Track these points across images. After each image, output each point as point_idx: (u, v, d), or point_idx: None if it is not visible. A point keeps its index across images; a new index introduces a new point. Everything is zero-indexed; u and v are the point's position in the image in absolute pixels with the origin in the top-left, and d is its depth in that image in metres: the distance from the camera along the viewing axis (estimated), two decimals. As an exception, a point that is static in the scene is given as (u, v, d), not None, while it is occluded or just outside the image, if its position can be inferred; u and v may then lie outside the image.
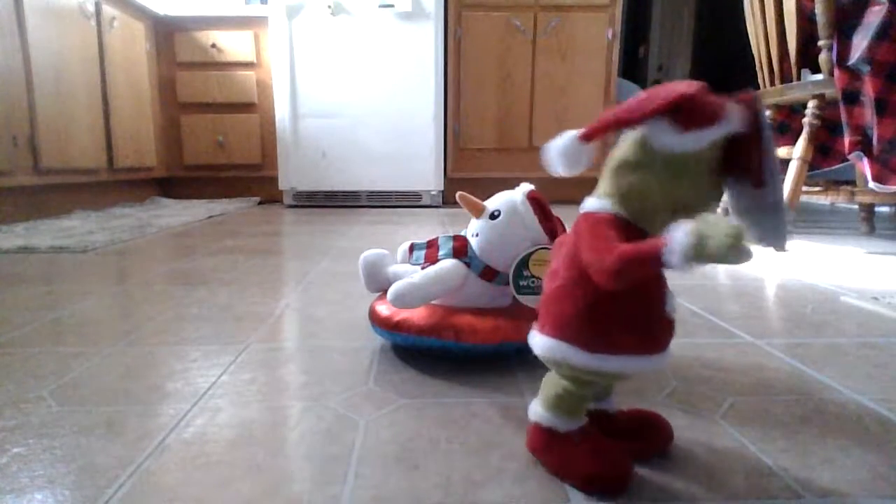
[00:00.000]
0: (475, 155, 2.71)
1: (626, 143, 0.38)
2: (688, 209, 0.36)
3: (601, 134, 0.37)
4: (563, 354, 0.39)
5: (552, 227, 0.61)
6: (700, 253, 0.30)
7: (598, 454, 0.40)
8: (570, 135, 0.38)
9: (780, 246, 0.39)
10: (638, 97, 0.36)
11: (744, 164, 0.37)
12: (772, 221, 0.38)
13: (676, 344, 0.71)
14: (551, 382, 0.42)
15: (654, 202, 0.36)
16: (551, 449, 0.42)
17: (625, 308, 0.38)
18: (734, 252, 0.29)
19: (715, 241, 0.30)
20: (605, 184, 0.39)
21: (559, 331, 0.40)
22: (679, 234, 0.31)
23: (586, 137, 0.37)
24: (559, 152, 0.38)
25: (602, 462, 0.40)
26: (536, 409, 0.43)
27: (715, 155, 0.36)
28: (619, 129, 0.37)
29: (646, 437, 0.44)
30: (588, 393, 0.42)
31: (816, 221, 2.17)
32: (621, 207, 0.37)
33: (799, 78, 1.52)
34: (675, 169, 0.35)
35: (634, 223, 0.37)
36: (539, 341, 0.41)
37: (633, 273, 0.34)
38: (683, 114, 0.34)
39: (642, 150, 0.36)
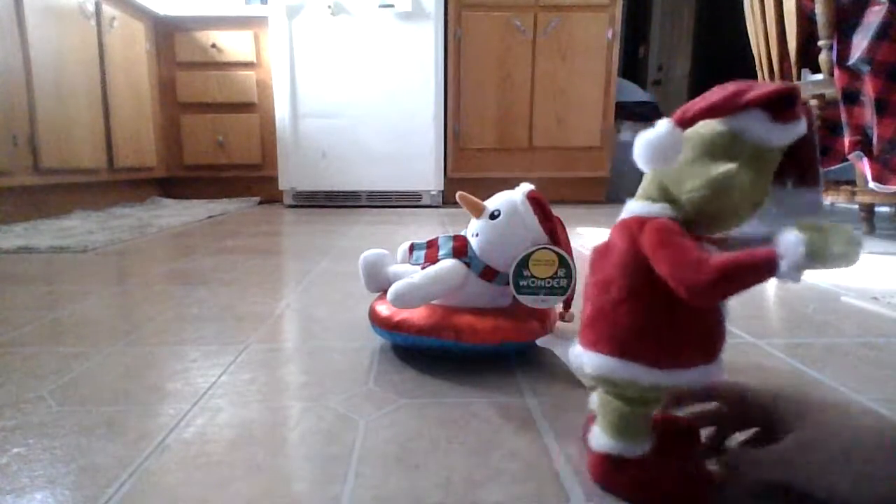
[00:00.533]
0: (475, 155, 2.71)
1: (699, 139, 0.35)
2: (756, 209, 0.35)
3: (697, 121, 0.35)
4: (630, 374, 0.36)
5: (552, 227, 0.61)
6: (818, 260, 0.29)
7: (675, 475, 0.38)
8: (665, 124, 0.35)
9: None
10: (724, 89, 0.34)
11: (799, 165, 0.36)
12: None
13: (676, 344, 0.71)
14: (611, 407, 0.39)
15: (742, 200, 0.34)
16: (623, 475, 0.39)
17: (689, 318, 0.36)
18: (852, 258, 0.29)
19: (838, 248, 0.29)
20: (653, 185, 0.37)
21: (621, 348, 0.37)
22: (792, 241, 0.29)
23: (682, 124, 0.35)
24: (657, 145, 0.35)
25: (682, 482, 0.38)
26: (601, 439, 0.39)
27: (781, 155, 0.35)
28: (713, 117, 0.35)
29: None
30: (653, 410, 0.39)
31: (816, 221, 2.17)
32: (692, 207, 0.35)
33: (799, 78, 1.52)
34: (763, 164, 0.34)
35: (687, 227, 0.35)
36: (596, 361, 0.38)
37: (735, 287, 0.32)
38: (783, 106, 0.33)
39: (732, 143, 0.34)
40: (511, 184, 0.68)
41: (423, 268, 0.65)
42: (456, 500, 0.39)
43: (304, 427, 0.49)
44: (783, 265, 0.30)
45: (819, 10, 1.39)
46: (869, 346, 0.71)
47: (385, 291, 0.70)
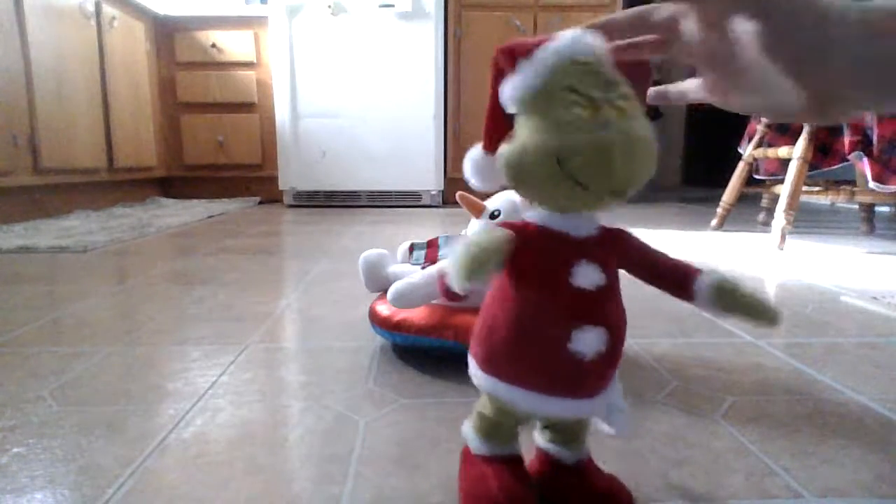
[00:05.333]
0: (475, 155, 2.71)
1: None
2: (577, 156, 0.29)
3: (492, 137, 0.33)
4: (472, 372, 0.37)
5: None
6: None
7: (487, 483, 0.35)
8: (476, 149, 0.37)
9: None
10: None
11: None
12: None
13: (676, 344, 0.71)
14: (479, 401, 0.39)
15: (527, 163, 0.31)
16: (462, 467, 0.39)
17: (515, 336, 0.33)
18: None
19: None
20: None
21: (472, 344, 0.37)
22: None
23: (487, 148, 0.35)
24: (471, 168, 0.38)
25: (487, 493, 0.35)
26: (464, 425, 0.39)
27: (577, 78, 0.30)
28: (501, 120, 0.33)
29: None
30: (501, 420, 0.37)
31: (816, 221, 2.17)
32: (514, 185, 0.33)
33: (799, 78, 1.52)
34: (533, 113, 0.31)
35: (555, 229, 0.33)
36: (471, 366, 0.38)
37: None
38: (503, 63, 0.33)
39: (514, 126, 0.33)
40: (511, 184, 0.68)
41: (423, 268, 0.65)
42: (456, 500, 0.39)
43: (303, 427, 0.49)
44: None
45: (819, 10, 1.39)
46: (869, 346, 0.71)
47: (385, 291, 0.70)
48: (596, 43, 0.32)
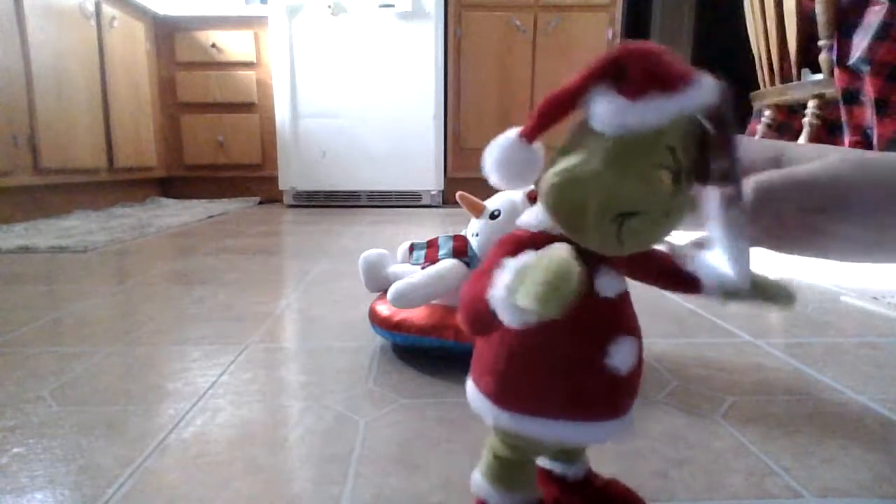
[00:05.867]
0: (475, 155, 2.70)
1: (567, 129, 0.28)
2: (637, 217, 0.26)
3: (542, 125, 0.27)
4: (479, 407, 0.31)
5: (552, 227, 0.61)
6: (516, 302, 0.22)
7: None
8: (509, 135, 0.28)
9: (740, 273, 0.29)
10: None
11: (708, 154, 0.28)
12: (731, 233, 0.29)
13: (676, 343, 0.71)
14: (489, 444, 0.33)
15: (586, 201, 0.26)
16: None
17: (547, 357, 0.28)
18: (544, 306, 0.22)
19: (524, 288, 0.22)
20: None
21: (479, 377, 0.31)
22: (504, 274, 0.23)
23: (527, 135, 0.28)
24: (497, 159, 0.28)
25: None
26: (475, 477, 0.33)
27: (684, 143, 0.26)
28: (562, 112, 0.27)
29: None
30: (525, 460, 0.33)
31: (816, 221, 2.17)
32: (548, 208, 0.28)
33: (799, 78, 1.52)
34: (619, 154, 0.25)
35: (569, 239, 0.28)
36: (468, 388, 0.32)
37: (479, 321, 0.26)
38: (631, 76, 0.25)
39: (582, 132, 0.26)
40: (511, 184, 0.68)
41: (423, 268, 0.65)
42: (456, 500, 0.39)
43: (303, 427, 0.49)
44: (494, 304, 0.23)
45: (819, 10, 1.39)
46: (869, 346, 0.70)
47: (385, 291, 0.70)
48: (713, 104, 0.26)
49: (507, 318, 0.23)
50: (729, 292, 0.30)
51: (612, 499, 0.35)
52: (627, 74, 0.25)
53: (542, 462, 0.36)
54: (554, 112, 0.27)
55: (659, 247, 0.30)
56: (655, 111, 0.24)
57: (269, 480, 0.41)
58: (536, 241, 0.28)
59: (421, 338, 0.62)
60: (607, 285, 0.29)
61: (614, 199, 0.25)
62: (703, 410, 0.53)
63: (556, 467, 0.36)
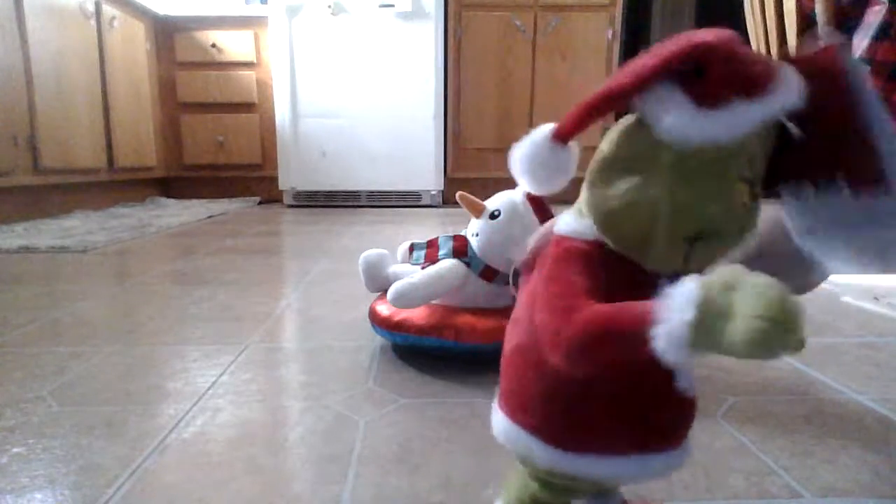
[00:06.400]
0: (475, 155, 2.71)
1: (615, 133, 0.25)
2: (714, 236, 0.23)
3: (583, 125, 0.25)
4: (526, 447, 0.27)
5: (552, 227, 0.61)
6: (709, 340, 0.20)
7: None
8: (541, 133, 0.26)
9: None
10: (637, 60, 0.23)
11: (826, 159, 0.24)
12: (886, 235, 0.25)
13: (676, 344, 0.71)
14: (517, 484, 0.30)
15: (656, 223, 0.23)
16: None
17: (611, 387, 0.25)
18: (768, 346, 0.18)
19: (740, 325, 0.18)
20: (585, 195, 0.27)
21: (520, 413, 0.27)
22: (680, 300, 0.20)
23: (561, 136, 0.25)
24: (528, 160, 0.26)
25: None
26: None
27: (759, 149, 0.23)
28: (609, 111, 0.24)
29: None
30: (565, 501, 0.29)
31: (816, 221, 2.17)
32: (605, 232, 0.25)
33: (799, 78, 1.52)
34: (693, 169, 0.22)
35: (628, 256, 0.25)
36: (499, 422, 0.29)
37: (603, 355, 0.22)
38: (706, 76, 0.21)
39: (639, 141, 0.23)
40: (511, 184, 0.68)
41: (423, 268, 0.65)
42: (456, 500, 0.39)
43: (303, 427, 0.49)
44: (660, 335, 0.20)
45: (819, 10, 1.39)
46: (869, 346, 0.70)
47: (385, 291, 0.70)
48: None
49: (678, 356, 0.20)
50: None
51: None
52: (709, 75, 0.21)
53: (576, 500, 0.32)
54: (600, 112, 0.23)
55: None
56: (741, 121, 0.21)
57: (269, 480, 0.41)
58: (602, 255, 0.25)
59: (421, 338, 0.62)
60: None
61: (688, 221, 0.22)
62: (703, 410, 0.53)
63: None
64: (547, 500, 0.29)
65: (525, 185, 0.27)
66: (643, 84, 0.22)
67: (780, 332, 0.18)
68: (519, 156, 0.27)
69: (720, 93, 0.21)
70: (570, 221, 0.27)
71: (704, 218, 0.22)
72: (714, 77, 0.21)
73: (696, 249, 0.23)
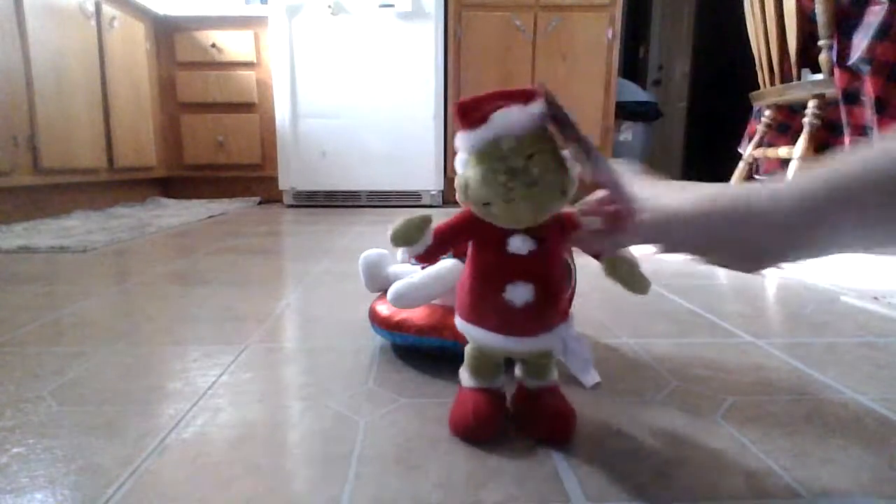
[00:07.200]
0: (475, 155, 2.71)
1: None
2: (492, 204, 0.41)
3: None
4: (460, 324, 0.48)
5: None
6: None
7: (465, 406, 0.47)
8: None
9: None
10: None
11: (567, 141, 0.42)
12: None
13: (676, 343, 0.71)
14: (467, 351, 0.49)
15: (475, 192, 0.42)
16: (455, 398, 0.50)
17: (472, 288, 0.46)
18: (395, 242, 0.44)
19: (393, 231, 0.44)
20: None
21: (458, 306, 0.48)
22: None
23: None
24: (459, 167, 0.47)
25: (463, 414, 0.47)
26: (461, 370, 0.50)
27: (511, 150, 0.40)
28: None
29: (539, 428, 0.47)
30: (481, 357, 0.48)
31: (816, 221, 2.17)
32: (461, 201, 0.44)
33: (799, 78, 1.52)
34: (486, 163, 0.41)
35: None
36: (455, 318, 0.49)
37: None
38: (464, 115, 0.41)
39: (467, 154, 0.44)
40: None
41: (423, 268, 0.65)
42: (456, 500, 0.39)
43: (304, 427, 0.49)
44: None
45: (819, 10, 1.39)
46: (869, 346, 0.71)
47: (385, 291, 0.70)
48: (523, 129, 0.41)
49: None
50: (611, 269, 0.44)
51: (546, 407, 0.47)
52: (465, 115, 0.42)
53: (517, 375, 0.50)
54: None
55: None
56: (477, 136, 0.41)
57: (269, 481, 0.41)
58: (472, 215, 0.45)
59: (421, 338, 0.62)
60: (516, 245, 0.43)
61: (475, 194, 0.42)
62: (703, 410, 0.53)
63: (524, 380, 0.49)
64: (473, 354, 0.49)
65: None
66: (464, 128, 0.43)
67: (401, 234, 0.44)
68: (458, 166, 0.46)
69: (466, 125, 0.42)
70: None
71: (483, 192, 0.41)
72: (467, 115, 0.42)
73: (495, 218, 0.42)
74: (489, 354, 0.48)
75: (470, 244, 0.46)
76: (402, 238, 0.44)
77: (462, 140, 0.42)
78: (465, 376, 0.50)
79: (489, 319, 0.45)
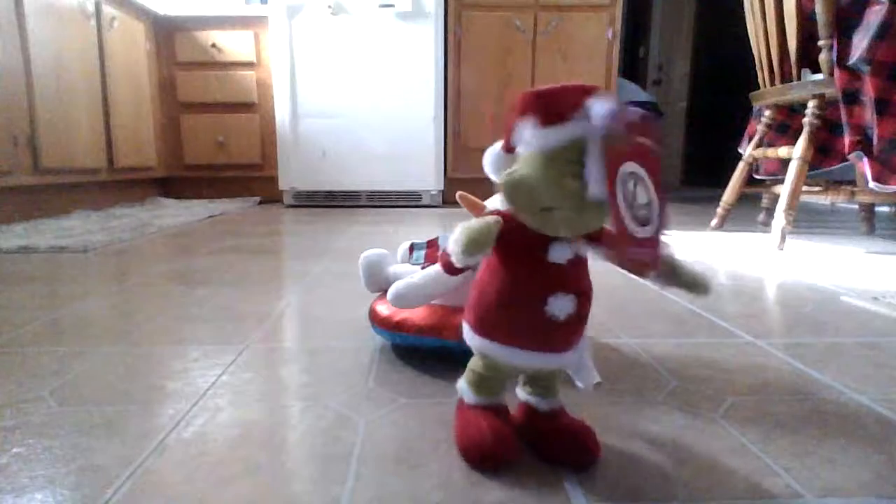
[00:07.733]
0: (475, 155, 2.71)
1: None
2: (556, 209, 0.37)
3: (511, 146, 0.40)
4: (469, 337, 0.44)
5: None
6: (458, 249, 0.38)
7: (478, 426, 0.43)
8: (497, 146, 0.42)
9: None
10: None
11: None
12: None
13: (676, 344, 0.71)
14: (472, 364, 0.47)
15: (528, 195, 0.37)
16: (457, 414, 0.47)
17: (503, 303, 0.41)
18: (464, 252, 0.38)
19: (454, 238, 0.38)
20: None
21: (467, 314, 0.45)
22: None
23: (506, 149, 0.40)
24: (492, 164, 0.43)
25: (478, 435, 0.43)
26: (460, 382, 0.47)
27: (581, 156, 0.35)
28: (507, 138, 0.40)
29: (564, 451, 0.43)
30: (492, 376, 0.45)
31: (816, 221, 2.17)
32: (508, 202, 0.40)
33: (799, 78, 1.52)
34: (545, 166, 0.36)
35: (524, 223, 0.40)
36: (463, 326, 0.46)
37: (445, 263, 0.43)
38: (541, 110, 0.36)
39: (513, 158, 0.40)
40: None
41: (423, 268, 0.65)
42: (456, 500, 0.39)
43: (303, 427, 0.49)
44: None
45: (819, 10, 1.39)
46: (869, 346, 0.71)
47: (385, 291, 0.70)
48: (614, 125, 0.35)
49: (453, 258, 0.38)
50: (660, 277, 0.40)
51: (565, 430, 0.44)
52: (541, 109, 0.37)
53: (521, 396, 0.47)
54: (510, 132, 0.39)
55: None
56: (550, 137, 0.36)
57: (269, 480, 0.41)
58: (502, 214, 0.41)
59: (421, 338, 0.62)
60: (557, 254, 0.40)
61: (537, 198, 0.37)
62: (703, 410, 0.53)
63: (530, 399, 0.46)
64: (479, 371, 0.45)
65: (493, 175, 0.43)
66: (518, 117, 0.38)
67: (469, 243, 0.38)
68: (487, 161, 0.43)
69: (544, 122, 0.36)
70: (497, 202, 0.44)
71: (547, 195, 0.36)
72: (543, 111, 0.36)
73: (550, 218, 0.37)
74: (506, 371, 0.44)
75: (494, 253, 0.42)
76: (481, 246, 0.39)
77: (532, 137, 0.37)
78: (468, 392, 0.46)
79: (523, 335, 0.41)
